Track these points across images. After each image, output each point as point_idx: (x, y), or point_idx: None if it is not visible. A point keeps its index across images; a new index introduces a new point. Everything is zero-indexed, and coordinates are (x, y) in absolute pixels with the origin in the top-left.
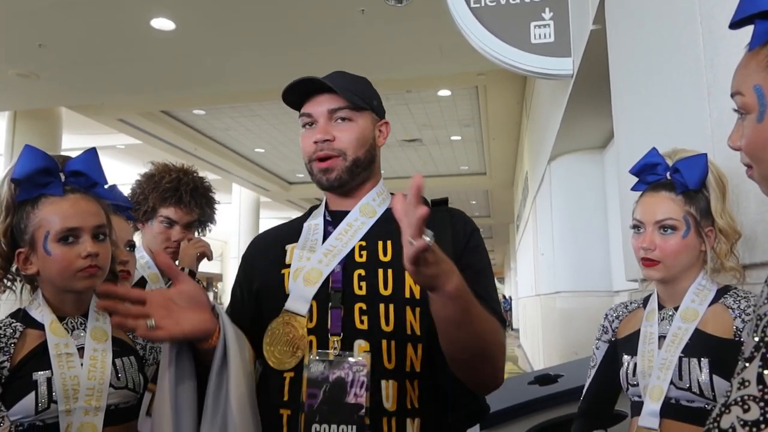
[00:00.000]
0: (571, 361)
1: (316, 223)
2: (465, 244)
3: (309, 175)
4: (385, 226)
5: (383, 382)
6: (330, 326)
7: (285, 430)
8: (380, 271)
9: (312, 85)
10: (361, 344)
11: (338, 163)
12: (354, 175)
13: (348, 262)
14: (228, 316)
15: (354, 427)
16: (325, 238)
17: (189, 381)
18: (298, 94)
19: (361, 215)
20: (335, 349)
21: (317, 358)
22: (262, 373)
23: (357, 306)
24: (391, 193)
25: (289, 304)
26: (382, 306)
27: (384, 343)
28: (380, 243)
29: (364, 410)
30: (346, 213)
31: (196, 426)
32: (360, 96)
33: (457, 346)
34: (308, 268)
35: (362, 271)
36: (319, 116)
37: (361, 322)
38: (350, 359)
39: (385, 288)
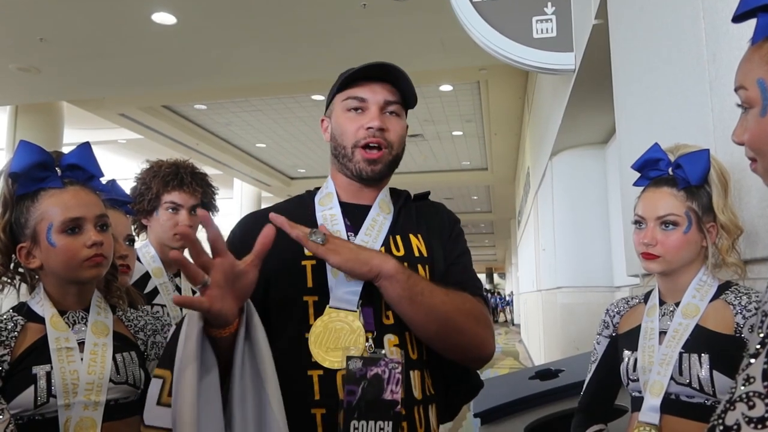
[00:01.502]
0: (572, 356)
1: (332, 214)
2: (450, 233)
3: (342, 159)
4: (395, 221)
5: (411, 373)
6: (363, 323)
7: (320, 430)
8: None
9: (380, 73)
10: (390, 338)
11: (384, 155)
12: (390, 171)
13: None
14: None
15: (390, 423)
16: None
17: (213, 370)
18: (356, 76)
19: (381, 211)
20: (370, 345)
21: (355, 355)
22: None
23: (382, 302)
24: (391, 189)
25: (336, 301)
26: None
27: (407, 335)
28: (391, 238)
29: (399, 406)
30: (358, 206)
31: (222, 414)
32: (412, 97)
33: (417, 322)
34: None
35: None
36: (372, 104)
37: (387, 317)
38: (386, 357)
39: None
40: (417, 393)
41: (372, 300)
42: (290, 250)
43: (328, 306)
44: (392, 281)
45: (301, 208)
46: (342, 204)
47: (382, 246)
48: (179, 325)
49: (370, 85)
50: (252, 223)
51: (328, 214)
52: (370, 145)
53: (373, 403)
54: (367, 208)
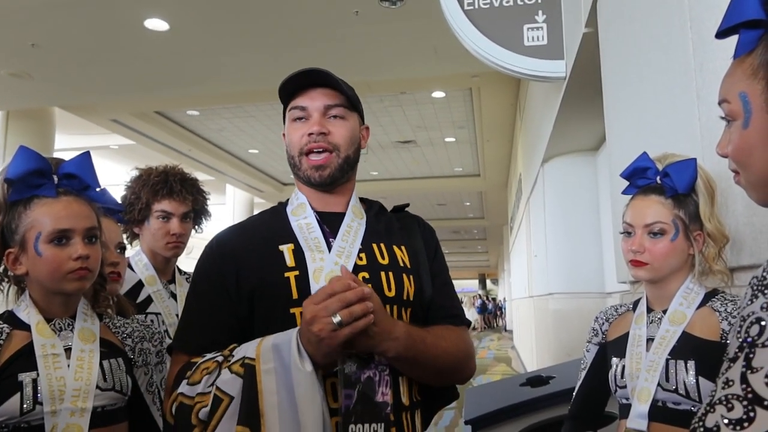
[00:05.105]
0: (563, 363)
1: (308, 222)
2: (434, 252)
3: (294, 169)
4: (374, 229)
5: (400, 379)
6: None
7: None
8: (382, 274)
9: (308, 79)
10: None
11: (332, 159)
12: (344, 173)
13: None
14: (205, 312)
15: (382, 425)
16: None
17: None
18: (291, 87)
19: (355, 217)
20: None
21: (351, 358)
22: None
23: None
24: (361, 199)
25: None
26: (387, 307)
27: None
28: (375, 246)
29: (389, 407)
30: (333, 214)
31: None
32: (353, 97)
33: (418, 377)
34: (327, 270)
35: (366, 274)
36: (313, 110)
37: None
38: (375, 359)
39: (389, 290)
40: (405, 399)
41: None
42: (272, 264)
43: None
44: (395, 361)
45: (277, 219)
46: (319, 213)
47: (362, 252)
48: (250, 380)
49: (310, 93)
50: (237, 241)
51: (304, 223)
52: (315, 150)
53: (368, 405)
54: (339, 215)
